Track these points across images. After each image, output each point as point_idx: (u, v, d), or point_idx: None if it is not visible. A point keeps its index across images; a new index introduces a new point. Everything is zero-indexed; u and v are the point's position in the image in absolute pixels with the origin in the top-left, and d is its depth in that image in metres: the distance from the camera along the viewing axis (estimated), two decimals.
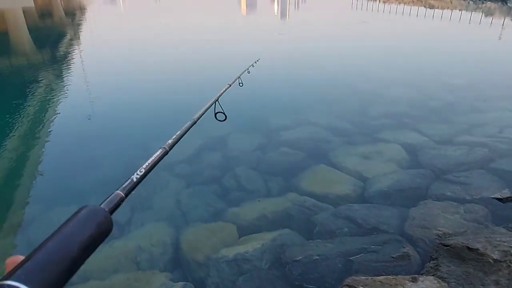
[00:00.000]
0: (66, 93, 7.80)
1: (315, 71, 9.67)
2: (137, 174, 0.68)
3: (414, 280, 2.18)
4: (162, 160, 0.83)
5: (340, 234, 3.25)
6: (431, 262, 2.54)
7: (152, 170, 0.75)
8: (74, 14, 27.76)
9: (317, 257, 2.87)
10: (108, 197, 0.56)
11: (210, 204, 3.85)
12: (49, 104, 7.07)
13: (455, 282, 2.28)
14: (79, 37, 16.19)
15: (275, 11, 30.67)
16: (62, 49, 13.35)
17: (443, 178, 4.16)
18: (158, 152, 0.84)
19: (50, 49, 13.41)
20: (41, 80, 8.72)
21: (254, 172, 4.45)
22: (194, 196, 4.00)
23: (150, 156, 0.79)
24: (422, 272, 2.53)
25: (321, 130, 5.66)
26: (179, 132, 1.07)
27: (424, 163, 4.58)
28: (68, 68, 10.10)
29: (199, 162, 4.72)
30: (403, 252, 2.78)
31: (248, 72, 2.79)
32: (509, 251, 2.24)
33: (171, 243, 3.26)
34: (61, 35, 16.81)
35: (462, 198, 3.69)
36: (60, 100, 7.31)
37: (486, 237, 2.52)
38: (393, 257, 2.77)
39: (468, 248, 2.36)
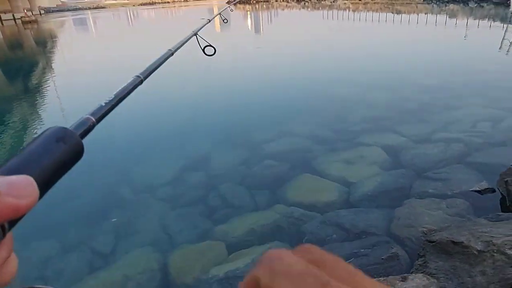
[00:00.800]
0: (41, 123, 7.65)
1: (294, 81, 9.81)
2: (107, 99, 0.61)
3: (404, 279, 2.21)
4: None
5: (329, 241, 3.26)
6: (419, 260, 2.57)
7: (126, 99, 0.68)
8: (45, 43, 27.46)
9: None
10: (78, 121, 0.50)
11: (197, 224, 3.81)
12: (23, 136, 6.91)
13: (443, 276, 2.31)
14: (51, 66, 15.98)
15: (249, 26, 31.14)
16: (34, 79, 13.14)
17: (424, 176, 4.25)
18: (132, 80, 0.76)
19: (22, 80, 13.19)
20: (14, 112, 8.54)
21: (240, 188, 4.44)
22: (179, 218, 3.95)
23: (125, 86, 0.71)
24: (412, 270, 2.55)
25: (303, 140, 5.71)
26: (154, 61, 0.98)
27: (405, 163, 4.68)
28: (42, 98, 9.93)
29: (183, 183, 4.68)
30: (392, 253, 2.81)
31: (231, 10, 2.74)
32: (491, 241, 2.29)
33: (159, 269, 3.19)
34: (32, 65, 16.57)
35: (443, 194, 3.77)
36: (35, 131, 7.16)
37: (469, 230, 2.58)
38: (383, 258, 2.79)
39: (453, 242, 2.41)
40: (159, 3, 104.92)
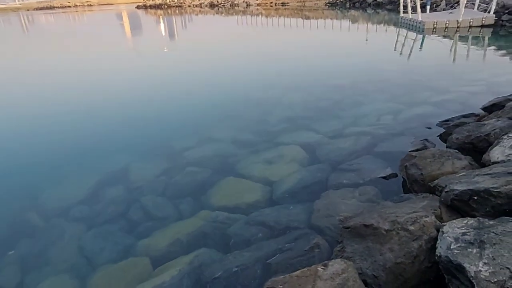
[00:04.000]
0: None
1: (211, 87, 9.79)
2: None
3: (325, 266, 2.33)
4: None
5: (255, 241, 3.31)
6: (338, 246, 2.74)
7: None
8: None
9: (236, 269, 2.86)
10: None
11: (118, 242, 3.57)
12: None
13: (359, 258, 2.50)
14: None
15: (163, 32, 30.36)
16: None
17: (339, 168, 4.57)
18: None
19: None
20: None
21: (162, 198, 4.28)
22: (97, 238, 3.66)
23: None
24: (332, 257, 2.71)
25: (224, 144, 5.73)
26: None
27: (321, 158, 4.97)
28: None
29: (99, 200, 4.35)
30: (314, 243, 2.95)
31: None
32: (396, 220, 2.55)
33: None
34: None
35: (356, 183, 4.09)
36: None
37: (378, 212, 2.83)
38: (305, 250, 2.92)
39: (365, 225, 2.62)
40: (58, 7, 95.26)
